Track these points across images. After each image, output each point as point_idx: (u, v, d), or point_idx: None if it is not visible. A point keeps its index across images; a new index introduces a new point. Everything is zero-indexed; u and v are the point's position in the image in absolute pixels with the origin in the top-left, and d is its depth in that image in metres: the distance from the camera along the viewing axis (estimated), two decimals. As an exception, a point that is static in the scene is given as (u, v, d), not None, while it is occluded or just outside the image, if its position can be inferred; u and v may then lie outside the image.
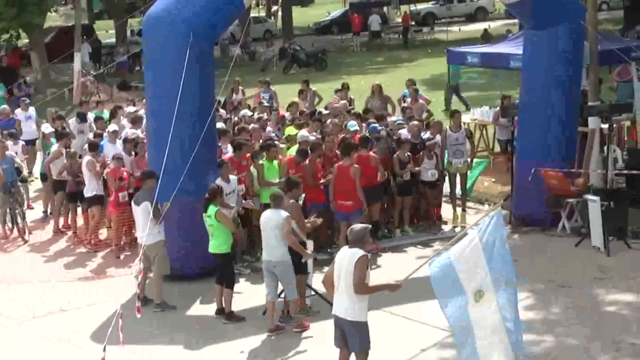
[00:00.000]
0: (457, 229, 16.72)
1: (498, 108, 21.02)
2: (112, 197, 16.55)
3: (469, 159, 17.98)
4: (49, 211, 19.03)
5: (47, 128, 20.54)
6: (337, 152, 16.40)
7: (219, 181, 14.69)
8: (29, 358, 12.49)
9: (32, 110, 23.59)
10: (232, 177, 15.07)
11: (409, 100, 21.93)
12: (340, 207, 15.47)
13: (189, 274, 14.68)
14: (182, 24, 14.47)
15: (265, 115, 20.37)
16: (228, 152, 16.40)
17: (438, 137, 17.62)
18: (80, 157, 17.59)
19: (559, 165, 16.48)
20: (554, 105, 16.65)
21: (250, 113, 20.82)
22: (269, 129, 19.04)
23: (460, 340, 9.61)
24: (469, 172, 18.11)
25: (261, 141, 17.23)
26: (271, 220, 12.58)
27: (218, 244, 13.17)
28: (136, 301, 11.57)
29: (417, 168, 16.85)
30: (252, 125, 18.52)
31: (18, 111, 23.54)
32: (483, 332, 9.53)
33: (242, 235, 15.40)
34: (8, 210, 17.96)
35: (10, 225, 18.09)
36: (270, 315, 12.76)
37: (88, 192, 16.98)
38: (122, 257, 16.42)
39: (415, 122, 17.98)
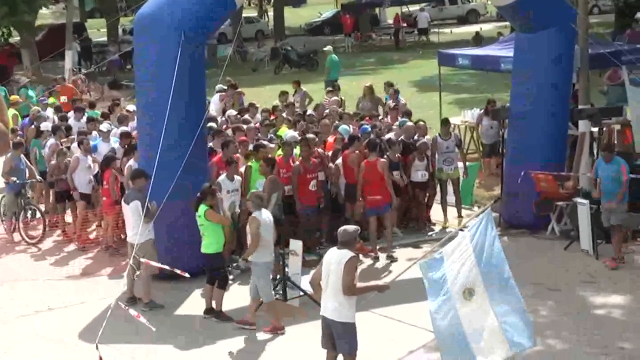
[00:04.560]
0: (448, 230, 16.76)
1: (482, 111, 21.21)
2: (106, 198, 16.49)
3: (460, 164, 17.95)
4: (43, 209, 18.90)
5: (45, 126, 20.31)
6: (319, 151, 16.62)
7: (222, 178, 14.76)
8: (16, 357, 12.46)
9: (49, 111, 23.31)
10: (237, 177, 15.10)
11: (390, 102, 22.18)
12: (371, 202, 15.57)
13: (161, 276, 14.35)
14: (173, 22, 14.42)
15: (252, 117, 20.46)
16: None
17: (426, 138, 17.65)
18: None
19: (548, 168, 16.51)
20: (544, 108, 16.67)
21: (234, 113, 20.84)
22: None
23: (447, 345, 9.60)
24: (463, 179, 18.09)
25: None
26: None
27: (208, 243, 13.17)
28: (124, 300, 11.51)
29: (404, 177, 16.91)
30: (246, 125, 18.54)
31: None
32: (477, 335, 9.50)
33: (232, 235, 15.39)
34: (15, 212, 17.73)
35: (15, 227, 17.78)
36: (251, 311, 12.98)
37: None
38: (108, 255, 16.39)
39: (411, 124, 18.03)
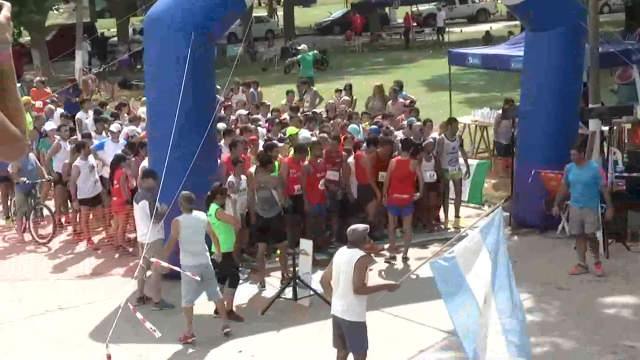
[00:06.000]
0: (452, 230, 16.77)
1: (501, 110, 21.05)
2: (116, 197, 16.51)
3: (461, 161, 17.90)
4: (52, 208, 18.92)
5: (49, 125, 20.37)
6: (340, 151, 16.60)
7: (232, 177, 14.79)
8: (25, 357, 12.47)
9: (59, 110, 23.24)
10: (243, 176, 15.13)
11: (390, 103, 22.26)
12: (396, 200, 15.51)
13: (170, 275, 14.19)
14: (184, 22, 14.43)
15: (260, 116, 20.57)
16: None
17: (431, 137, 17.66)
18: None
19: (559, 167, 16.46)
20: (554, 107, 16.62)
21: (245, 112, 20.87)
22: (262, 130, 19.03)
23: (469, 345, 9.56)
24: (470, 177, 18.09)
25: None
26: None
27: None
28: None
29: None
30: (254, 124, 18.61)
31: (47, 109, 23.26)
32: (481, 342, 9.49)
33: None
34: (25, 212, 17.75)
35: (25, 227, 17.79)
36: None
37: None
38: (117, 255, 16.42)
39: (418, 123, 18.02)
